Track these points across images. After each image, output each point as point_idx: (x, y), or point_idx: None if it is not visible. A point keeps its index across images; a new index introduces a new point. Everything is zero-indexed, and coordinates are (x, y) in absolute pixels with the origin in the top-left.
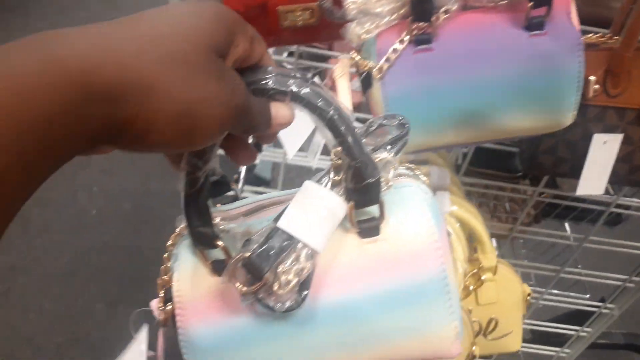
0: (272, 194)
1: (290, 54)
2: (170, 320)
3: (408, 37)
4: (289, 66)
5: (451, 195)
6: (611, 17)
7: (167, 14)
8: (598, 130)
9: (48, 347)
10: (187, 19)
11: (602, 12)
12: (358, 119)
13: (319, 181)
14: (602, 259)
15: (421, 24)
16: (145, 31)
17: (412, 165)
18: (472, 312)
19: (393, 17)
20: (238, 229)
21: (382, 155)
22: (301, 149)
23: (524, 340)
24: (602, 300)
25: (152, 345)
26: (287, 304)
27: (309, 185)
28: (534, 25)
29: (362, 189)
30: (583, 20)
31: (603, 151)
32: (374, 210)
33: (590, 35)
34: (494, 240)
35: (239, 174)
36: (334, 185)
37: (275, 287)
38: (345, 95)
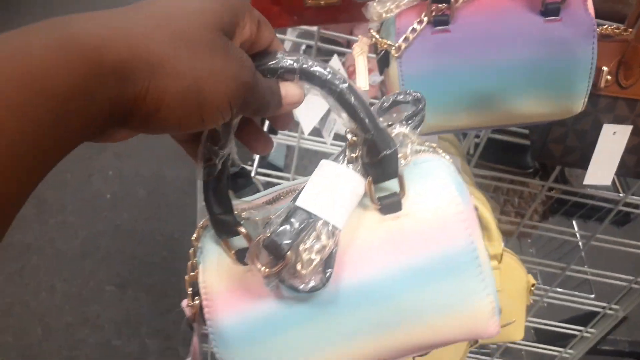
0: (292, 182)
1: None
2: (199, 315)
3: (427, 17)
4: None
5: None
6: (628, 13)
7: None
8: (608, 120)
9: (58, 325)
10: (194, 1)
11: (619, 8)
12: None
13: (335, 160)
14: (610, 259)
15: (440, 5)
16: (154, 12)
17: (432, 144)
18: None
19: None
20: (259, 216)
21: (399, 129)
22: (316, 134)
23: (528, 340)
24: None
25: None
26: (312, 283)
27: (325, 163)
28: (549, 11)
29: (378, 163)
30: (600, 16)
31: (612, 141)
32: (394, 185)
33: (606, 26)
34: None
35: (253, 162)
36: (351, 162)
37: (299, 266)
38: (363, 72)
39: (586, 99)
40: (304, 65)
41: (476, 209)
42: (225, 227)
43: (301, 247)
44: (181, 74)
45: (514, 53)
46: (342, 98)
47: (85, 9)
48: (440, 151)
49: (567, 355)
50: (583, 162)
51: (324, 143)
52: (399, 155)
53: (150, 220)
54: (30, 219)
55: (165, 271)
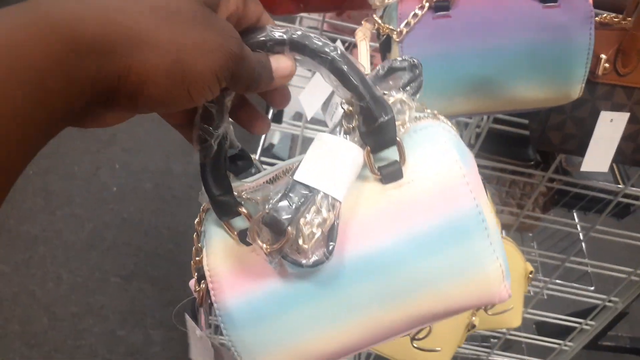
0: (292, 159)
1: None
2: (206, 298)
3: (428, 3)
4: None
5: None
6: (627, 4)
7: None
8: (606, 108)
9: (64, 315)
10: None
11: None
12: None
13: (332, 132)
14: (610, 252)
15: None
16: None
17: (434, 112)
18: None
19: None
20: (260, 195)
21: (396, 96)
22: (321, 125)
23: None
24: None
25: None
26: (315, 257)
27: (322, 136)
28: None
29: (375, 131)
30: (600, 6)
31: (609, 129)
32: (393, 154)
33: (605, 15)
34: (503, 231)
35: (256, 154)
36: (348, 133)
37: (300, 241)
38: (365, 57)
39: (583, 85)
40: (294, 36)
41: None
42: (225, 208)
43: (302, 222)
44: (163, 48)
45: (513, 38)
46: (334, 66)
47: None
48: (442, 117)
49: (566, 348)
50: (581, 149)
51: None
52: (397, 123)
53: (156, 213)
54: (37, 210)
55: (170, 263)
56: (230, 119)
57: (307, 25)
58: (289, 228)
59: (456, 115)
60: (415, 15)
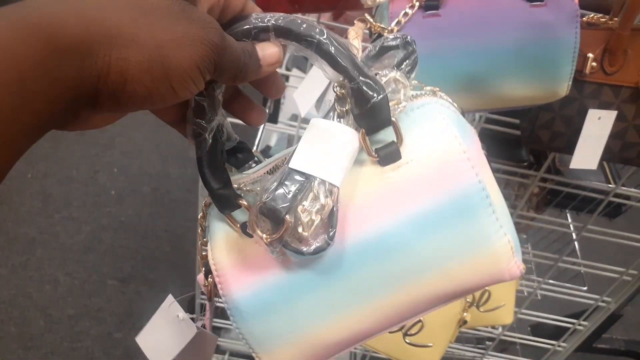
0: (291, 148)
1: None
2: (214, 292)
3: (418, 2)
4: None
5: None
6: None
7: None
8: (594, 106)
9: (60, 317)
10: None
11: (606, 2)
12: None
13: (325, 117)
14: (602, 253)
15: None
16: None
17: (434, 88)
18: None
19: None
20: (259, 186)
21: (390, 75)
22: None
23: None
24: None
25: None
26: (316, 244)
27: (315, 121)
28: None
29: (368, 112)
30: (586, 7)
31: (597, 126)
32: (390, 135)
33: (592, 15)
34: None
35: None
36: (341, 117)
37: (300, 229)
38: (357, 55)
39: (570, 83)
40: (278, 22)
41: None
42: (225, 201)
43: (300, 209)
44: (142, 44)
45: (501, 37)
46: (320, 49)
47: None
48: (441, 93)
49: (560, 349)
50: (570, 147)
51: None
52: (392, 102)
53: (153, 217)
54: (35, 212)
55: (167, 266)
56: (226, 112)
57: None
58: (287, 216)
59: None
60: (405, 14)
